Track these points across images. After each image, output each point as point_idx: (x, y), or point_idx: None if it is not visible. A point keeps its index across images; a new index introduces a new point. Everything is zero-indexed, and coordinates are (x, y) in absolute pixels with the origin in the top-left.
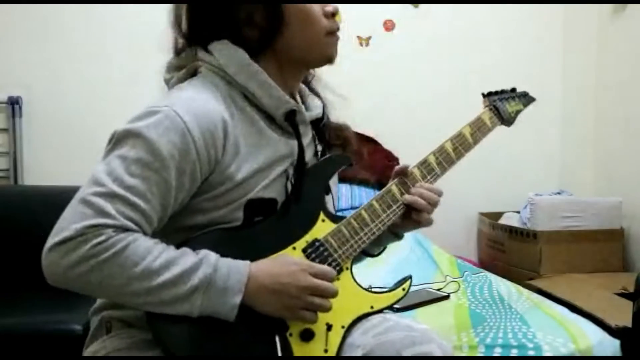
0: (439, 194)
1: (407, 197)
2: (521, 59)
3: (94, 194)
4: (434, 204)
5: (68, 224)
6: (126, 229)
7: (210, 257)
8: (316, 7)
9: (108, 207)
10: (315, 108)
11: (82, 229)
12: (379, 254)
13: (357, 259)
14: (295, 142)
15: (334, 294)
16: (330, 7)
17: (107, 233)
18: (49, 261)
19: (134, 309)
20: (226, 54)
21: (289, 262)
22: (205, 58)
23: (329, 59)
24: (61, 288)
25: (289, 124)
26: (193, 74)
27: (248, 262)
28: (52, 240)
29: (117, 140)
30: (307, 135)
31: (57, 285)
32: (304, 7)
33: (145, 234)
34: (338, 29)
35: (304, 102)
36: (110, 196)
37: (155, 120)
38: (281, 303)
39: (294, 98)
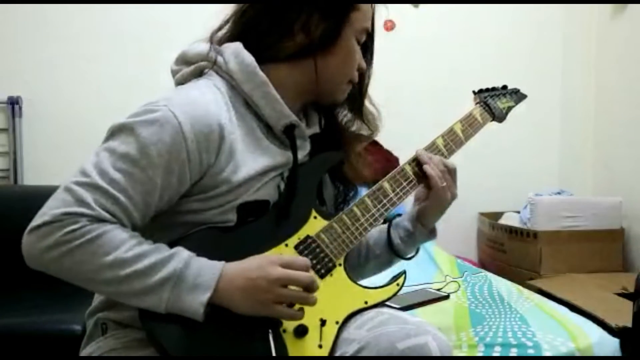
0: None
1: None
2: (521, 59)
3: (77, 183)
4: (449, 171)
5: (48, 209)
6: (102, 220)
7: (182, 253)
8: (358, 55)
9: (88, 197)
10: (314, 124)
11: (59, 215)
12: (413, 257)
13: (389, 262)
14: (290, 154)
15: (309, 283)
16: (365, 65)
17: (82, 221)
18: (26, 242)
19: (130, 309)
20: (238, 58)
21: (259, 257)
22: (217, 59)
23: (335, 102)
24: (38, 270)
25: (286, 137)
26: (200, 72)
27: (223, 262)
28: (32, 223)
29: (111, 133)
30: (305, 150)
31: (34, 267)
32: (353, 46)
33: (124, 227)
34: (355, 83)
35: (306, 116)
36: (92, 187)
37: (151, 117)
38: (253, 299)
39: (296, 111)
